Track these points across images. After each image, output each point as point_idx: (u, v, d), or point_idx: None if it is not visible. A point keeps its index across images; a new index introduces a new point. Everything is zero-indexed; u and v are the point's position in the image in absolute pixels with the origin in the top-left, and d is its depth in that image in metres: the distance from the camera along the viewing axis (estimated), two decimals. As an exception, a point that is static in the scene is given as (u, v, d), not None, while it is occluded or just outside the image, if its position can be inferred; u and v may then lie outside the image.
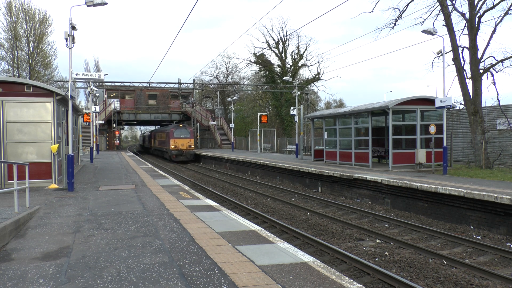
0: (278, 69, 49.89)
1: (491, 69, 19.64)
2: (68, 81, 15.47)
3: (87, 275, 5.09)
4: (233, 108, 47.98)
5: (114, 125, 52.27)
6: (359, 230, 10.70)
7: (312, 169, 18.44)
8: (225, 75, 61.13)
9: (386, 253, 8.61)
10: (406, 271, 7.52)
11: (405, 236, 10.28)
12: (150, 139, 57.58)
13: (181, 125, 38.98)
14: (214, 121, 51.37)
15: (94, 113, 33.23)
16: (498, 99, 20.06)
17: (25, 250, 6.28)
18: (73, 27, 13.42)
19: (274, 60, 51.12)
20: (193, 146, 38.32)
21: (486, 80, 20.22)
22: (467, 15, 19.46)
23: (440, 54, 17.67)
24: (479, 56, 19.43)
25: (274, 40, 49.34)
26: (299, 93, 33.50)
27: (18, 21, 42.10)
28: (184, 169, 30.83)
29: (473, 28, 19.27)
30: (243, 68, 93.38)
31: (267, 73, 50.77)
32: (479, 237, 10.04)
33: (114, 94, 56.09)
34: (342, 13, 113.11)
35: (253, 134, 43.15)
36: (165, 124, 56.25)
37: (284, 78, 39.49)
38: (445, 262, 8.05)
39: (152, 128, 72.36)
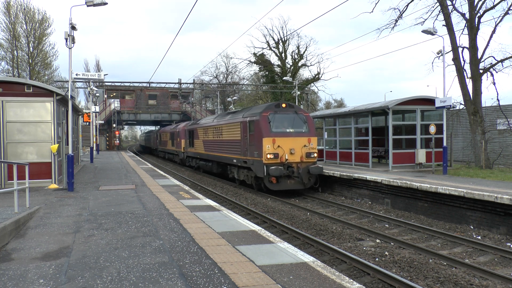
0: (278, 69, 49.90)
1: (491, 69, 19.65)
2: (68, 81, 15.47)
3: (87, 275, 5.08)
4: (233, 108, 47.97)
5: (114, 125, 52.35)
6: (359, 230, 10.70)
7: (312, 169, 18.38)
8: (225, 75, 61.15)
9: (386, 253, 8.61)
10: (406, 271, 7.51)
11: (405, 236, 10.28)
12: (174, 139, 34.80)
13: (284, 105, 17.02)
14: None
15: (94, 113, 33.27)
16: (498, 99, 20.10)
17: (25, 250, 6.28)
18: (73, 27, 13.43)
19: (274, 60, 51.17)
20: (316, 155, 16.69)
21: (486, 80, 20.26)
22: (467, 15, 19.46)
23: (440, 54, 17.67)
24: (479, 56, 19.44)
25: (274, 40, 49.38)
26: (299, 93, 33.47)
27: (18, 21, 42.09)
28: (184, 169, 30.71)
29: (473, 28, 19.27)
30: (243, 68, 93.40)
31: (267, 73, 50.77)
32: (479, 237, 10.03)
33: (114, 94, 56.19)
34: (342, 14, 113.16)
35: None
36: (165, 124, 55.73)
37: (284, 78, 39.50)
38: (445, 263, 8.05)
39: (152, 128, 71.79)
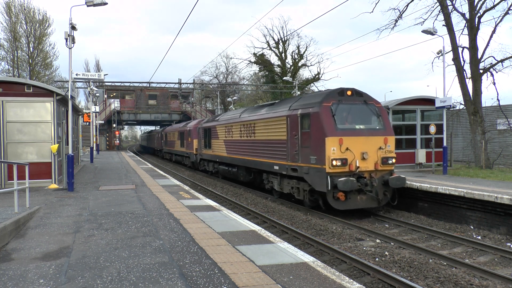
0: (278, 69, 49.93)
1: (491, 69, 19.65)
2: (68, 81, 15.47)
3: (87, 275, 5.09)
4: (233, 108, 47.99)
5: (114, 125, 52.40)
6: (359, 230, 10.70)
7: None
8: (225, 75, 61.17)
9: (386, 253, 8.60)
10: (406, 271, 7.51)
11: (405, 236, 10.28)
12: (184, 139, 30.90)
13: (349, 92, 12.57)
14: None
15: (94, 113, 33.28)
16: (498, 99, 20.10)
17: (25, 250, 6.28)
18: (73, 27, 13.43)
19: (274, 60, 51.18)
20: (395, 161, 12.71)
21: (486, 80, 20.23)
22: (467, 15, 19.46)
23: (440, 54, 17.68)
24: (479, 56, 19.44)
25: (274, 40, 49.37)
26: (299, 93, 33.45)
27: (18, 21, 42.10)
28: (184, 169, 30.69)
29: (473, 28, 19.27)
30: (243, 68, 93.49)
31: (267, 73, 50.79)
32: (479, 237, 10.03)
33: (114, 94, 56.24)
34: (342, 15, 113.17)
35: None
36: (165, 124, 55.80)
37: (284, 78, 39.52)
38: (445, 263, 8.05)
39: (152, 127, 71.70)
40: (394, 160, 12.41)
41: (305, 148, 12.50)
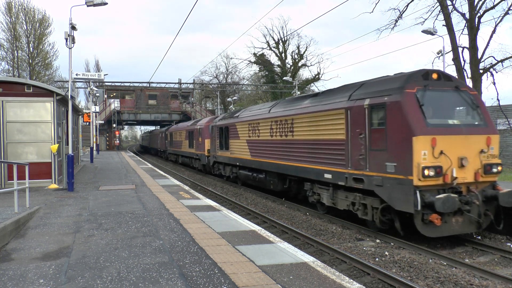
0: (278, 69, 49.97)
1: (491, 69, 19.68)
2: (68, 81, 15.48)
3: (87, 275, 5.09)
4: (233, 108, 48.01)
5: (114, 125, 52.41)
6: (359, 230, 10.69)
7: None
8: (225, 75, 61.22)
9: (386, 253, 8.60)
10: (406, 271, 7.51)
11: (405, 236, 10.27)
12: (193, 138, 27.78)
13: (435, 75, 9.15)
14: (214, 121, 51.41)
15: (94, 113, 33.31)
16: (498, 99, 20.13)
17: (25, 250, 6.28)
18: (73, 27, 13.45)
19: (274, 60, 51.26)
20: (500, 168, 9.35)
21: (486, 80, 20.27)
22: (467, 15, 19.49)
23: (440, 54, 17.71)
24: (479, 56, 19.46)
25: (274, 40, 49.45)
26: (299, 93, 33.47)
27: (18, 21, 42.11)
28: (184, 169, 30.69)
29: (473, 28, 19.29)
30: (243, 68, 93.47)
31: (267, 73, 50.83)
32: (479, 237, 10.03)
33: (114, 94, 56.27)
34: (342, 15, 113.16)
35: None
36: (166, 124, 55.83)
37: (284, 78, 39.56)
38: (445, 263, 8.05)
39: (152, 127, 71.66)
40: (500, 168, 9.31)
41: (377, 152, 9.35)
